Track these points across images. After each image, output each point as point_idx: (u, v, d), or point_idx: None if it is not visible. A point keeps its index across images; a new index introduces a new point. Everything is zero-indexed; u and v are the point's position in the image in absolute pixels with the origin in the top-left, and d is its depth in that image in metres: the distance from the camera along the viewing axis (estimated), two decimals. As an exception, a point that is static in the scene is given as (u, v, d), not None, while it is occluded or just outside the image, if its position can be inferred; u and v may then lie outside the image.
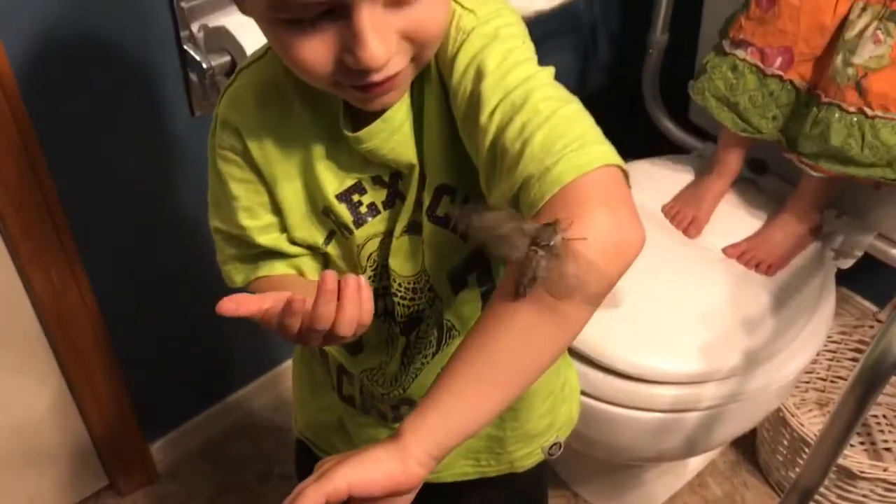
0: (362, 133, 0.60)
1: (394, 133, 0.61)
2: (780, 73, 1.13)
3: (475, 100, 0.56)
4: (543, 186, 0.50)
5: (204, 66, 1.00)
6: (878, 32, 1.01)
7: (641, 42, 1.40)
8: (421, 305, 0.69)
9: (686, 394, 1.07)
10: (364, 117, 0.60)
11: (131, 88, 1.04)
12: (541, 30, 1.25)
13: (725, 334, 1.09)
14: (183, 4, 0.99)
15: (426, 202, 0.64)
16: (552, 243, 0.48)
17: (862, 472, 1.23)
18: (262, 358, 1.47)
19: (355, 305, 0.54)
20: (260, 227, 0.67)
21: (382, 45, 0.51)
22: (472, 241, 0.56)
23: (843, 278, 1.33)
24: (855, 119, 1.06)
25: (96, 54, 0.99)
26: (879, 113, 1.05)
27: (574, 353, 1.07)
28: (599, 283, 0.49)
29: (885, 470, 1.23)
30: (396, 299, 0.69)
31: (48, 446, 1.27)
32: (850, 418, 0.85)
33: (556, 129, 0.52)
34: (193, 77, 1.06)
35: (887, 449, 1.44)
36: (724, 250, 1.23)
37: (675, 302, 1.13)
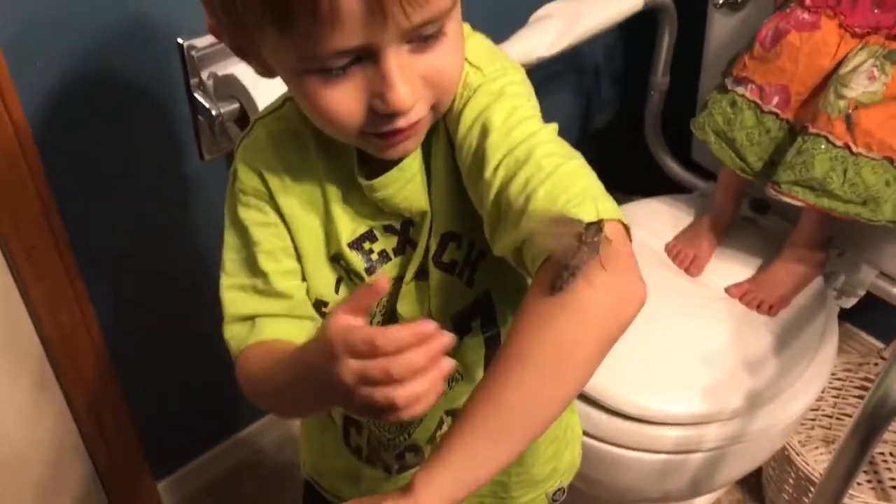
0: (377, 181, 0.62)
1: (408, 182, 0.62)
2: (777, 111, 1.14)
3: (480, 155, 0.58)
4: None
5: (213, 112, 1.03)
6: (874, 69, 1.03)
7: (643, 83, 1.42)
8: None
9: (690, 435, 1.07)
10: (377, 167, 0.62)
11: (143, 134, 1.07)
12: (544, 72, 1.28)
13: (728, 375, 1.10)
14: (193, 53, 1.02)
15: (432, 249, 0.65)
16: (597, 239, 0.50)
17: (868, 511, 1.23)
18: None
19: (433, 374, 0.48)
20: (282, 271, 0.66)
21: (409, 87, 0.53)
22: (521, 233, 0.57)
23: (847, 315, 1.34)
24: (840, 153, 1.07)
25: (109, 101, 1.01)
26: (863, 151, 1.06)
27: (578, 394, 1.08)
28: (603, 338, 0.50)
29: (891, 510, 1.23)
30: None
31: (55, 483, 1.28)
32: (853, 462, 0.85)
33: (558, 184, 0.54)
34: (203, 122, 1.08)
35: (894, 487, 1.43)
36: (727, 290, 1.24)
37: (678, 342, 1.14)
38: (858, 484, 1.43)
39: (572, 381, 0.52)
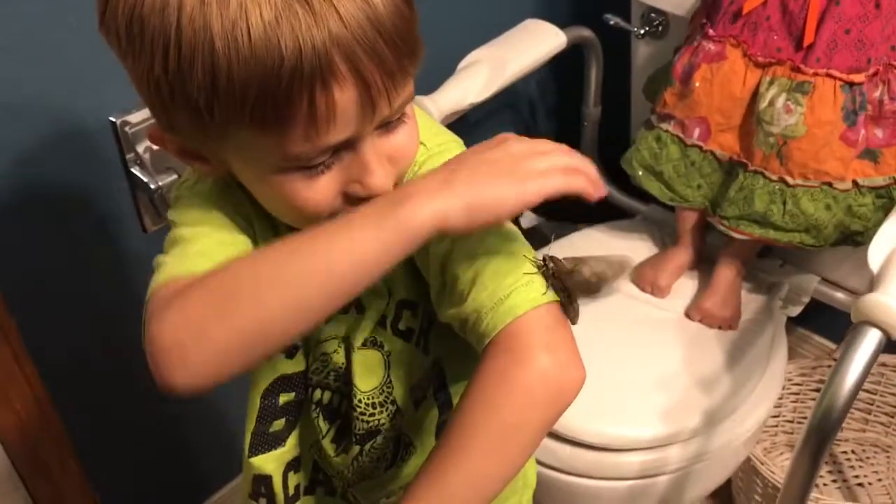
0: None
1: None
2: (700, 143, 1.18)
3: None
4: (496, 318, 0.54)
5: (152, 186, 1.03)
6: (789, 103, 1.07)
7: (577, 114, 1.46)
8: (382, 420, 0.70)
9: (652, 458, 1.09)
10: None
11: (83, 212, 1.06)
12: (481, 108, 1.31)
13: (685, 396, 1.12)
14: (127, 129, 1.02)
15: (390, 316, 0.66)
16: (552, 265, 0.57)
17: (835, 513, 1.26)
18: (232, 462, 1.46)
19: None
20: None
21: (384, 170, 0.55)
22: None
23: (798, 319, 1.37)
24: (777, 187, 1.11)
25: (46, 185, 1.01)
26: (800, 181, 1.10)
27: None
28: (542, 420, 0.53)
29: (856, 510, 1.25)
30: (356, 413, 0.70)
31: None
32: (808, 471, 0.88)
33: (500, 269, 0.56)
34: (143, 196, 1.08)
35: (860, 484, 1.46)
36: (687, 314, 1.26)
37: (632, 368, 1.16)
38: (825, 485, 1.46)
39: (514, 461, 0.54)
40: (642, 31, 1.32)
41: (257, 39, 0.48)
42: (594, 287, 0.62)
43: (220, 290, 0.52)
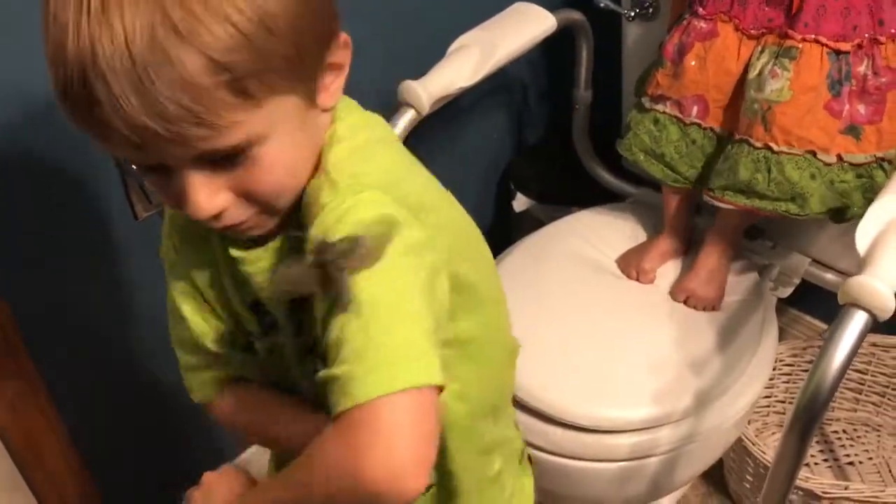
0: (242, 255, 0.64)
1: (269, 262, 0.64)
2: (699, 121, 1.18)
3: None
4: (349, 394, 0.51)
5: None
6: (776, 68, 1.07)
7: (569, 97, 1.45)
8: None
9: (644, 440, 1.10)
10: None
11: (74, 199, 1.06)
12: (473, 93, 1.31)
13: (675, 377, 1.13)
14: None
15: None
16: (335, 251, 0.54)
17: (825, 492, 1.27)
18: (234, 456, 1.47)
19: None
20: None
21: (207, 198, 0.56)
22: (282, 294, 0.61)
23: (790, 300, 1.38)
24: (762, 154, 1.10)
25: (32, 169, 1.01)
26: (784, 148, 1.09)
27: (530, 409, 1.10)
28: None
29: (846, 488, 1.26)
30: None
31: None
32: (796, 453, 0.89)
33: (377, 333, 0.53)
34: (133, 182, 1.08)
35: (850, 463, 1.48)
36: (671, 294, 1.27)
37: (623, 350, 1.17)
38: (816, 464, 1.48)
39: None
40: (633, 14, 1.31)
41: (53, 37, 0.51)
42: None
43: None
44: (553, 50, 1.41)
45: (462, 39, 1.17)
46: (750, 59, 1.11)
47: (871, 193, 1.10)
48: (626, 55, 1.39)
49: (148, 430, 1.29)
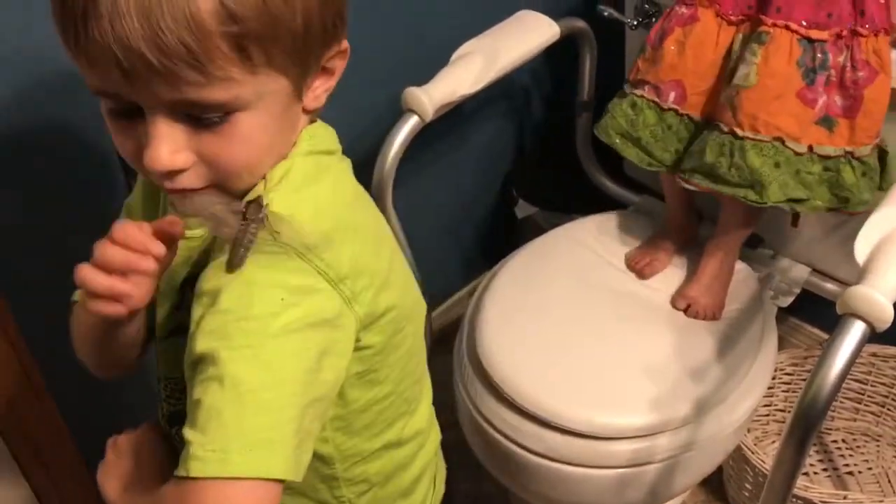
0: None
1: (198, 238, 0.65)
2: (676, 107, 1.18)
3: (197, 317, 0.57)
4: (188, 464, 0.52)
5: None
6: (746, 53, 1.08)
7: (572, 104, 1.46)
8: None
9: (642, 447, 1.10)
10: None
11: (73, 179, 1.06)
12: (476, 98, 1.31)
13: (675, 384, 1.13)
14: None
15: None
16: (261, 216, 0.55)
17: (823, 501, 1.27)
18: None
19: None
20: None
21: (169, 153, 0.55)
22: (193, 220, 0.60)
23: (790, 309, 1.38)
24: (727, 139, 1.10)
25: (32, 147, 1.01)
26: (749, 134, 1.09)
27: (528, 414, 1.10)
28: None
29: (844, 498, 1.27)
30: (164, 396, 0.74)
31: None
32: (794, 460, 0.89)
33: (231, 414, 0.53)
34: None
35: (849, 473, 1.48)
36: (672, 302, 1.27)
37: (623, 357, 1.17)
38: (815, 473, 1.48)
39: None
40: (635, 23, 1.32)
41: None
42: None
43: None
44: (555, 58, 1.42)
45: (466, 47, 1.18)
46: (730, 46, 1.11)
47: (836, 189, 1.10)
48: (629, 64, 1.39)
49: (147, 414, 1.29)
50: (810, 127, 1.08)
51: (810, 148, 1.09)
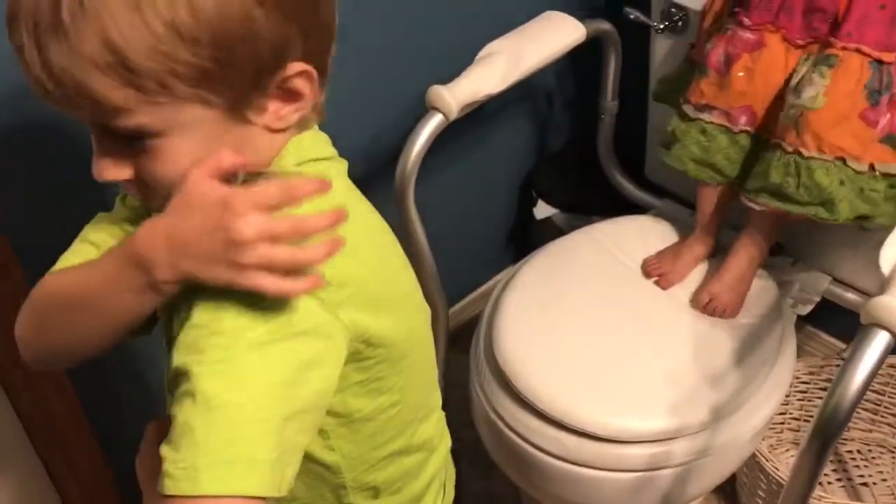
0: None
1: None
2: (748, 128, 1.18)
3: (175, 332, 0.57)
4: (163, 481, 0.53)
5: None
6: (814, 75, 1.07)
7: (594, 107, 1.46)
8: None
9: (658, 452, 1.10)
10: None
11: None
12: (497, 99, 1.31)
13: (692, 390, 1.13)
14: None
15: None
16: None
17: (837, 512, 1.27)
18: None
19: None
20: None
21: (109, 165, 0.58)
22: None
23: (807, 317, 1.37)
24: (792, 159, 1.10)
25: (41, 118, 1.00)
26: (815, 154, 1.09)
27: (544, 416, 1.10)
28: None
29: (859, 509, 1.26)
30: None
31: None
32: (812, 471, 0.88)
33: (204, 432, 0.53)
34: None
35: (864, 484, 1.47)
36: (691, 302, 1.27)
37: (641, 361, 1.17)
38: (829, 483, 1.47)
39: None
40: (661, 26, 1.32)
41: None
42: None
43: (37, 315, 0.67)
44: (578, 59, 1.42)
45: (491, 46, 1.18)
46: (796, 67, 1.11)
47: None
48: (654, 68, 1.39)
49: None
50: (872, 146, 1.09)
51: (871, 166, 1.10)
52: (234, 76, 0.56)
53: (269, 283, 0.53)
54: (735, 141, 1.19)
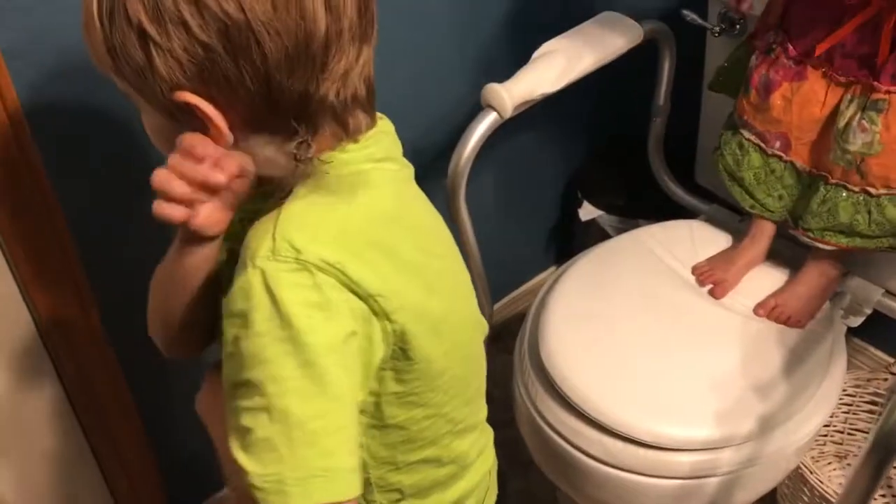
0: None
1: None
2: (781, 154, 1.18)
3: (231, 337, 0.58)
4: (259, 497, 0.55)
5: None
6: (864, 122, 1.07)
7: (644, 108, 1.44)
8: None
9: (704, 460, 1.09)
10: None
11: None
12: (547, 100, 1.31)
13: (740, 399, 1.12)
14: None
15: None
16: (310, 155, 0.59)
17: (883, 528, 1.25)
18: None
19: None
20: None
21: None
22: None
23: (855, 330, 1.35)
24: (861, 198, 1.12)
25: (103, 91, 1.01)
26: (883, 191, 1.10)
27: (593, 422, 1.10)
28: None
29: (905, 526, 1.24)
30: None
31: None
32: (866, 488, 0.87)
33: (286, 447, 0.55)
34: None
35: (909, 503, 1.45)
36: (755, 310, 1.25)
37: (690, 368, 1.16)
38: (875, 499, 1.44)
39: None
40: (718, 29, 1.30)
41: None
42: None
43: (151, 305, 0.74)
44: (629, 59, 1.41)
45: (548, 45, 1.18)
46: (838, 105, 1.10)
47: None
48: (709, 70, 1.37)
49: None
50: None
51: None
52: (140, 81, 0.60)
53: (155, 204, 0.61)
54: (767, 163, 1.20)
